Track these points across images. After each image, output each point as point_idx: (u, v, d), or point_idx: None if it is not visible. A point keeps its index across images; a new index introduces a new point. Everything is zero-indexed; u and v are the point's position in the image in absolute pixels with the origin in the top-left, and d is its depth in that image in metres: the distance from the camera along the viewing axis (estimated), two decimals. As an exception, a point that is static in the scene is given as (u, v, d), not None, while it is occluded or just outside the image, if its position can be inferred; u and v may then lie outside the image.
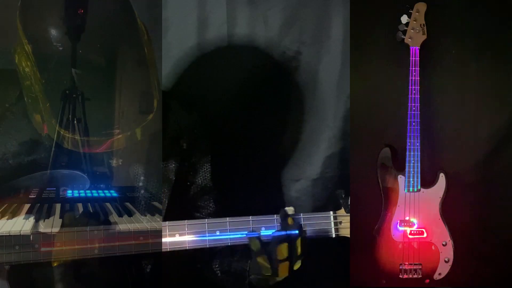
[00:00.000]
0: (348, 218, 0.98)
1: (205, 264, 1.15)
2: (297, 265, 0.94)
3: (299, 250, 0.92)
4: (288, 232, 0.92)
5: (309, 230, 0.97)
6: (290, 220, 0.94)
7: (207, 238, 0.97)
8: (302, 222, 0.97)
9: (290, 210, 0.97)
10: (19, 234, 0.96)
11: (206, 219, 0.98)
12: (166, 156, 1.12)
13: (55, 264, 0.86)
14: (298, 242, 0.92)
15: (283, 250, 0.91)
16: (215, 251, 1.13)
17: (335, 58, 1.44)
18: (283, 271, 0.92)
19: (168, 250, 0.97)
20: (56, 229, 0.96)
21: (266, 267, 0.92)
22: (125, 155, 1.13)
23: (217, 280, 1.13)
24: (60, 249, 0.88)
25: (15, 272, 0.93)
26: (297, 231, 0.92)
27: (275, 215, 0.97)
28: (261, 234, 0.95)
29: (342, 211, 0.99)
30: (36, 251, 0.89)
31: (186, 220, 0.98)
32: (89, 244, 0.91)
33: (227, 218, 0.97)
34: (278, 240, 0.91)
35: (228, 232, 0.96)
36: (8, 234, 0.96)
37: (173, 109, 1.18)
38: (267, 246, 0.92)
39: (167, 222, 0.97)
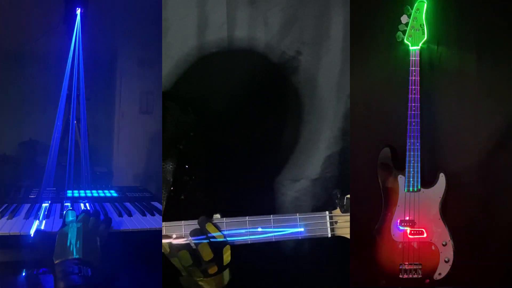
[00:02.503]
0: (344, 217, 0.98)
1: None
2: (226, 276, 0.97)
3: (226, 256, 0.95)
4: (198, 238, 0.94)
5: (305, 230, 0.97)
6: (210, 228, 0.95)
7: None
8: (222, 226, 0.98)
9: (216, 217, 0.98)
10: (19, 234, 0.97)
11: None
12: (164, 157, 1.12)
13: (57, 262, 0.86)
14: (226, 249, 0.94)
15: (205, 250, 0.93)
16: None
17: (335, 58, 1.44)
18: (212, 270, 0.94)
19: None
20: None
21: (198, 275, 0.95)
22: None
23: None
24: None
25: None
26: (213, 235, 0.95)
27: (271, 215, 0.97)
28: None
29: (337, 211, 0.99)
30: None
31: (183, 221, 0.98)
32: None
33: (224, 219, 0.97)
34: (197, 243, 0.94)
35: (225, 232, 0.96)
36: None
37: (172, 110, 1.18)
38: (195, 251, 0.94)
39: (164, 222, 0.98)
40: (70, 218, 0.98)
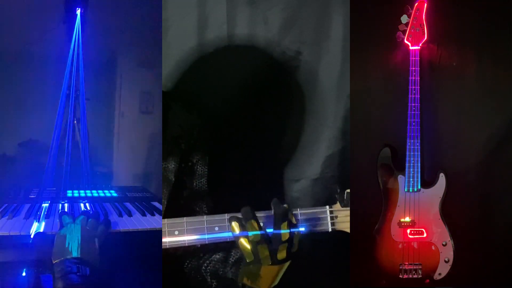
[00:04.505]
0: (344, 212, 0.99)
1: (194, 267, 1.14)
2: (283, 270, 0.94)
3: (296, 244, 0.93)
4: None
5: (305, 224, 0.97)
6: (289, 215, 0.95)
7: (206, 235, 0.97)
8: (299, 218, 0.98)
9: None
10: (19, 234, 0.97)
11: (204, 216, 0.98)
12: (166, 157, 1.12)
13: (55, 261, 0.86)
14: (297, 236, 0.93)
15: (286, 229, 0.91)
16: (206, 253, 1.13)
17: (335, 58, 1.44)
18: (281, 254, 0.92)
19: (168, 247, 0.98)
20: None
21: (266, 255, 0.92)
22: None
23: (206, 286, 1.12)
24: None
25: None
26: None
27: (272, 211, 0.97)
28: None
29: (337, 206, 0.99)
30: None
31: (185, 217, 0.98)
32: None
33: (226, 215, 0.97)
34: (280, 220, 0.92)
35: (227, 228, 0.97)
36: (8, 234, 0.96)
37: (173, 109, 1.18)
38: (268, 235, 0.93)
39: (166, 219, 0.98)
40: (67, 220, 0.98)
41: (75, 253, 0.87)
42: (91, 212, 1.18)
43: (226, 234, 0.97)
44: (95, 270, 0.87)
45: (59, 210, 1.18)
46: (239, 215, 0.94)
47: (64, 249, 0.88)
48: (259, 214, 0.96)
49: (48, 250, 0.90)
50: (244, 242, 0.92)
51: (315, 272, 1.38)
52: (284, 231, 0.91)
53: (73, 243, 0.89)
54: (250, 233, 0.91)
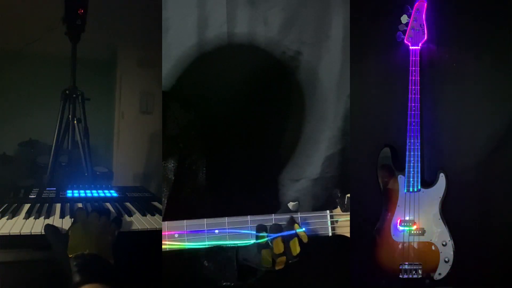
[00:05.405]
0: (345, 216, 0.99)
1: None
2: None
3: (297, 249, 0.93)
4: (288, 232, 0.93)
5: (306, 229, 0.97)
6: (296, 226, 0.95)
7: (205, 237, 0.97)
8: (299, 221, 0.98)
9: (292, 205, 0.98)
10: (19, 234, 0.97)
11: (205, 219, 0.98)
12: (166, 156, 1.12)
13: (72, 255, 0.87)
14: (295, 241, 0.93)
15: (279, 245, 0.92)
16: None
17: (335, 58, 1.44)
18: (280, 265, 0.94)
19: (167, 250, 0.98)
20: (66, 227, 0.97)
21: (268, 260, 0.93)
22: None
23: (204, 270, 1.12)
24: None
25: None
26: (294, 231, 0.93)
27: (273, 215, 0.97)
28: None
29: (338, 210, 0.99)
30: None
31: (185, 220, 0.98)
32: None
33: (226, 218, 0.97)
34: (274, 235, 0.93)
35: (227, 231, 0.97)
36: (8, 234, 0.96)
37: (172, 109, 1.18)
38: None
39: (166, 222, 0.98)
40: (82, 216, 0.99)
41: (91, 249, 0.87)
42: (103, 210, 1.18)
43: (227, 241, 0.97)
44: (110, 266, 0.88)
45: (59, 210, 1.18)
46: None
47: (81, 243, 0.88)
48: (259, 218, 0.96)
49: (47, 250, 0.91)
50: (266, 255, 0.93)
51: (316, 276, 1.38)
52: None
53: (89, 239, 0.90)
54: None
